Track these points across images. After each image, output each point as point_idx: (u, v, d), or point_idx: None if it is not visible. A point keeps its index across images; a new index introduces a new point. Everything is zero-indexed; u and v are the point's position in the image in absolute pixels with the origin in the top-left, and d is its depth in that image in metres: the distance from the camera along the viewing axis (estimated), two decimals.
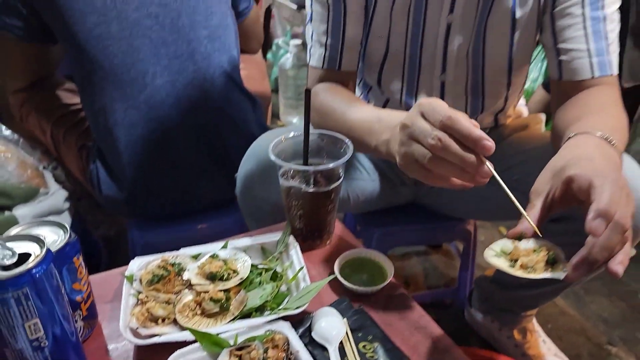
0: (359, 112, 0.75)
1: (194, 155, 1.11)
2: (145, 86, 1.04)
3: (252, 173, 0.83)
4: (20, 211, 1.08)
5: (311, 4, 0.87)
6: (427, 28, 0.85)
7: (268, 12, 2.55)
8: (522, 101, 1.09)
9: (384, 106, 0.99)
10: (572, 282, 0.52)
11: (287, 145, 0.70)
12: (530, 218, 0.54)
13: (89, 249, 1.34)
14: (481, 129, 1.01)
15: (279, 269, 0.64)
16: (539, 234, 0.54)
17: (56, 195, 1.15)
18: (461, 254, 1.29)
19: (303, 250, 0.67)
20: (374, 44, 0.90)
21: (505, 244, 0.55)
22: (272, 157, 0.65)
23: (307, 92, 0.60)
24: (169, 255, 0.65)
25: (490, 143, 0.52)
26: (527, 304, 1.10)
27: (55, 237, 0.53)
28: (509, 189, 0.89)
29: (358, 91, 1.06)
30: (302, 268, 0.62)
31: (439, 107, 0.54)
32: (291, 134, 0.69)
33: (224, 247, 0.67)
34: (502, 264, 0.53)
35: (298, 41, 2.26)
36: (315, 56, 0.88)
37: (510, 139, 0.99)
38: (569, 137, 0.63)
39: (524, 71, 0.94)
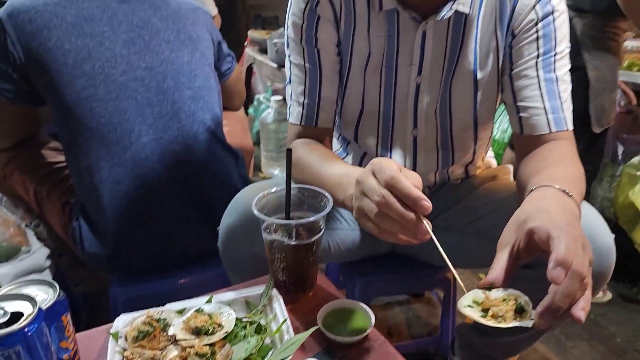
0: (331, 167, 0.80)
1: (178, 208, 1.13)
2: (131, 144, 1.07)
3: (234, 226, 0.85)
4: (1, 270, 1.07)
5: (290, 68, 0.94)
6: (398, 88, 0.92)
7: (249, 70, 2.66)
8: (490, 153, 1.16)
9: (362, 159, 1.04)
10: (544, 329, 0.55)
11: (270, 199, 0.73)
12: (497, 268, 0.58)
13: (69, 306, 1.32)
14: (453, 180, 1.08)
15: (263, 322, 0.66)
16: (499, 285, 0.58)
17: (38, 253, 1.15)
18: (442, 302, 1.31)
19: (286, 303, 0.69)
20: (350, 103, 0.97)
21: (477, 294, 0.59)
22: (255, 212, 0.68)
23: (289, 152, 0.64)
24: (154, 311, 0.66)
25: (427, 203, 0.57)
26: (507, 351, 1.12)
27: (45, 296, 0.54)
28: (481, 237, 0.94)
29: (337, 145, 1.12)
30: (285, 320, 0.64)
31: (386, 167, 0.59)
32: (273, 189, 0.73)
33: (209, 301, 0.69)
34: (475, 314, 0.56)
35: (279, 97, 2.35)
36: (294, 114, 0.94)
37: (480, 189, 1.04)
38: (531, 190, 0.69)
39: (489, 126, 1.01)
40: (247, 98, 2.82)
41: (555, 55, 0.85)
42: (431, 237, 0.59)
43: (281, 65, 2.01)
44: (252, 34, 2.68)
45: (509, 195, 0.94)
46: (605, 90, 1.59)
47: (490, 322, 0.55)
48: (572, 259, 0.53)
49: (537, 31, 0.84)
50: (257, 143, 2.76)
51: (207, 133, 1.16)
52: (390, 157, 0.97)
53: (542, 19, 0.84)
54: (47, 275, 1.17)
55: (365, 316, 0.68)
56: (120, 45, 1.09)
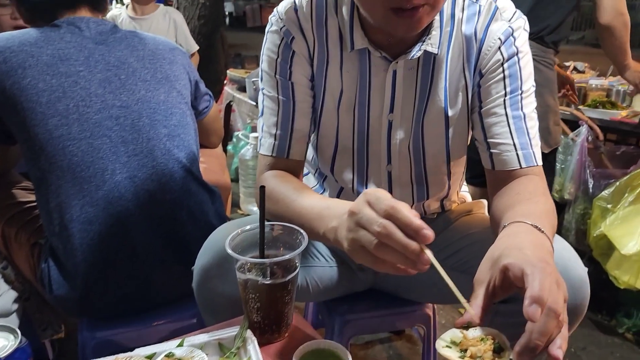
0: (308, 199, 0.80)
1: (152, 248, 1.11)
2: (104, 182, 1.06)
3: (209, 266, 0.83)
4: None
5: (263, 100, 0.95)
6: (371, 125, 0.94)
7: (229, 107, 2.69)
8: (465, 188, 1.18)
9: (339, 194, 1.05)
10: None
11: (244, 238, 0.72)
12: (474, 306, 0.58)
13: (35, 352, 1.26)
14: (429, 214, 1.08)
15: None
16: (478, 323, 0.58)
17: (4, 297, 1.10)
18: (423, 339, 1.30)
19: (261, 344, 0.67)
20: (325, 139, 0.98)
21: (454, 333, 0.58)
22: (229, 251, 0.67)
23: (262, 189, 0.64)
24: (123, 357, 0.64)
25: (429, 232, 0.57)
26: None
27: (5, 342, 0.51)
28: (458, 271, 0.94)
29: (314, 181, 1.12)
30: None
31: (383, 197, 0.60)
32: (247, 227, 0.72)
33: (180, 344, 0.67)
34: (453, 355, 0.56)
35: (257, 134, 2.36)
36: (265, 145, 0.94)
37: (456, 223, 1.05)
38: (504, 226, 0.70)
39: (462, 161, 1.02)
40: (226, 135, 2.83)
41: (521, 93, 0.88)
42: (432, 265, 0.58)
43: None
44: (231, 72, 2.72)
45: (484, 229, 0.95)
46: (549, 114, 1.72)
47: None
48: (547, 296, 0.53)
49: (503, 71, 0.87)
50: (235, 180, 2.75)
51: (183, 170, 1.15)
52: None
53: (508, 60, 0.87)
54: (13, 320, 1.12)
55: (342, 357, 0.66)
56: (96, 84, 1.09)
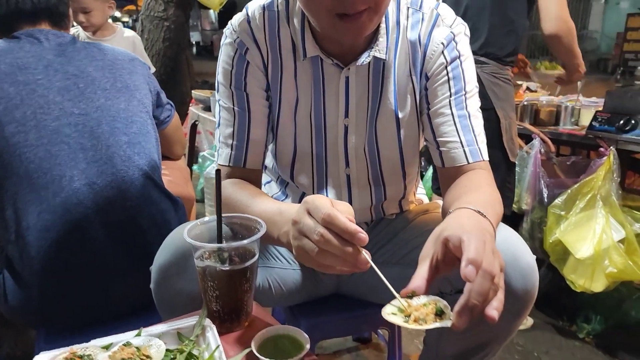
0: (262, 204, 0.82)
1: (113, 256, 1.09)
2: (62, 189, 1.04)
3: (168, 264, 0.83)
4: None
5: (219, 111, 0.97)
6: (328, 130, 0.97)
7: (194, 127, 2.69)
8: (421, 190, 1.22)
9: (300, 199, 1.06)
10: (460, 330, 0.58)
11: (203, 230, 0.73)
12: (418, 278, 0.62)
13: None
14: (388, 215, 1.12)
15: (195, 352, 0.64)
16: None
17: None
18: (388, 342, 1.31)
19: (221, 334, 0.67)
20: (283, 146, 1.00)
21: (399, 302, 0.62)
22: (187, 238, 0.67)
23: (218, 172, 0.66)
24: (78, 347, 0.63)
25: (364, 235, 0.61)
26: None
27: None
28: (415, 267, 0.97)
29: (276, 188, 1.14)
30: (218, 347, 0.62)
31: (320, 204, 0.62)
32: (206, 219, 0.73)
33: (138, 334, 0.66)
34: (398, 320, 0.59)
35: None
36: (223, 155, 0.96)
37: (413, 222, 1.08)
38: (449, 212, 0.74)
39: (415, 162, 1.06)
40: (192, 157, 2.82)
41: (465, 94, 0.93)
42: (371, 265, 0.62)
43: None
44: (196, 93, 2.73)
45: None
46: (512, 125, 1.82)
47: (412, 326, 0.58)
48: (482, 259, 0.57)
49: (447, 73, 0.92)
50: (201, 200, 2.73)
51: (144, 178, 1.15)
52: (327, 196, 0.98)
53: (451, 62, 0.92)
54: None
55: (300, 340, 0.67)
56: (54, 92, 1.09)
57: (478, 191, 0.83)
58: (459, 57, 0.92)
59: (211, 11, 15.97)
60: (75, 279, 1.06)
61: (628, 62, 9.66)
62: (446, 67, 0.92)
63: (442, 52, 0.92)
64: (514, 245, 0.83)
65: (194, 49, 14.54)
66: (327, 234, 0.60)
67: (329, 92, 0.94)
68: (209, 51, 14.87)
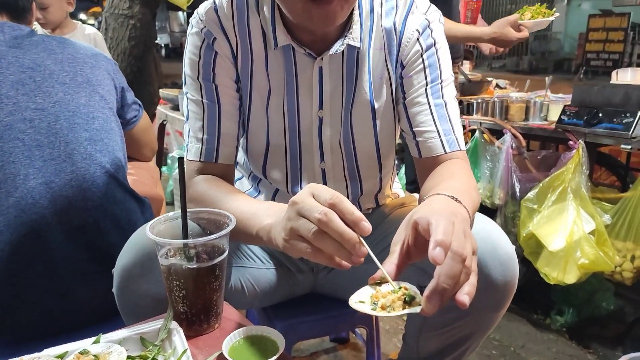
0: (239, 200, 0.78)
1: (72, 259, 1.02)
2: (16, 188, 0.97)
3: (131, 266, 0.78)
4: None
5: (187, 105, 0.92)
6: (302, 122, 0.94)
7: (162, 127, 2.61)
8: (397, 184, 1.19)
9: (274, 196, 1.03)
10: (430, 315, 0.55)
11: (167, 227, 0.68)
12: (388, 264, 0.60)
13: None
14: (365, 210, 1.09)
15: (160, 358, 0.59)
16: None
17: None
18: (366, 341, 1.28)
19: (189, 337, 0.63)
20: (255, 139, 0.96)
21: (368, 290, 0.59)
22: (149, 235, 0.62)
23: (181, 161, 0.61)
24: (29, 358, 0.57)
25: (368, 225, 0.58)
26: None
27: None
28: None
29: (248, 184, 1.09)
30: (185, 351, 0.57)
31: (327, 189, 0.60)
32: (171, 214, 0.68)
33: (96, 341, 0.60)
34: (365, 308, 0.57)
35: None
36: (193, 151, 0.91)
37: (390, 216, 1.06)
38: (424, 199, 0.72)
39: (391, 154, 1.04)
40: (161, 158, 2.74)
41: (441, 82, 0.91)
42: (366, 262, 0.59)
43: None
44: (164, 92, 2.65)
45: None
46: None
47: (379, 313, 0.56)
48: (450, 240, 0.54)
49: (423, 61, 0.91)
50: (171, 203, 2.65)
51: (107, 176, 1.09)
52: None
53: (427, 50, 0.91)
54: None
55: (275, 341, 0.63)
56: (8, 86, 1.02)
57: (453, 178, 0.82)
58: (434, 45, 0.91)
59: (180, 13, 15.76)
60: (31, 286, 0.99)
61: (590, 62, 10.01)
62: (422, 54, 0.90)
63: (418, 39, 0.90)
64: (493, 236, 0.81)
65: (163, 52, 14.27)
66: (332, 213, 0.57)
67: (302, 83, 0.91)
68: (178, 53, 14.62)
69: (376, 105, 0.94)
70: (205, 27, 0.88)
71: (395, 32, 0.91)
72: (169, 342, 0.62)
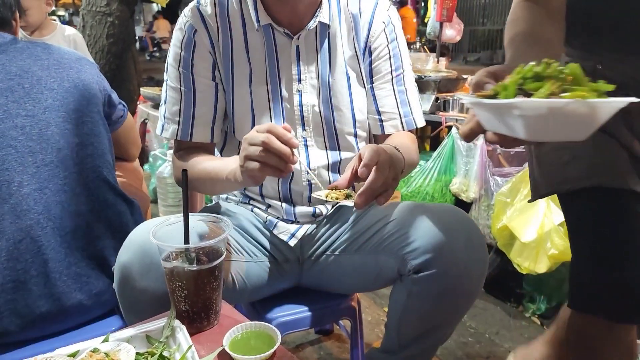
0: (213, 159, 1.01)
1: (67, 262, 1.05)
2: (10, 195, 0.99)
3: (131, 263, 0.83)
4: None
5: (166, 89, 1.06)
6: (284, 96, 1.05)
7: (143, 125, 2.62)
8: None
9: None
10: (360, 208, 0.80)
11: (167, 231, 0.72)
12: (342, 179, 0.84)
13: None
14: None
15: (166, 354, 0.63)
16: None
17: None
18: (350, 332, 1.34)
19: (191, 334, 0.67)
20: (241, 118, 1.06)
21: (325, 191, 0.85)
22: (153, 240, 0.67)
23: (184, 172, 0.65)
24: (43, 357, 0.61)
25: (296, 142, 0.78)
26: None
27: None
28: (377, 253, 1.02)
29: None
30: (190, 347, 0.62)
31: (266, 124, 0.80)
32: (172, 219, 0.73)
33: (105, 340, 0.65)
34: (321, 195, 0.84)
35: None
36: (169, 130, 1.06)
37: (371, 209, 1.11)
38: None
39: (365, 127, 1.14)
40: (143, 156, 2.75)
41: (403, 72, 1.10)
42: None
43: None
44: (145, 90, 2.65)
45: (397, 211, 1.03)
46: None
47: (327, 198, 0.82)
48: (375, 160, 0.79)
49: (389, 52, 1.08)
50: (154, 201, 2.66)
51: (98, 180, 1.12)
52: None
53: (391, 42, 1.09)
54: None
55: (272, 335, 0.69)
56: None
57: (399, 138, 1.07)
58: (396, 39, 1.09)
59: (154, 5, 15.45)
60: (26, 291, 1.01)
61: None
62: (387, 45, 1.08)
63: (384, 30, 1.08)
64: (466, 227, 0.92)
65: (137, 44, 14.00)
66: (270, 135, 0.76)
67: (282, 62, 1.04)
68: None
69: (350, 77, 1.08)
70: (188, 21, 1.02)
71: (361, 19, 1.07)
72: (173, 339, 0.67)
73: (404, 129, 1.10)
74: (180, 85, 1.02)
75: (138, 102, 2.89)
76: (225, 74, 1.04)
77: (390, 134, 1.11)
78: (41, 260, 1.02)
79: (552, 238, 1.87)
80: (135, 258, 0.82)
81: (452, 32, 3.31)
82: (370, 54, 1.08)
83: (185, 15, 1.03)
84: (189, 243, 0.69)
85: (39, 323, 1.03)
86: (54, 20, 2.54)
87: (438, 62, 2.75)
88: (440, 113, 2.48)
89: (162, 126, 1.07)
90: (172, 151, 2.28)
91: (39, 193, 1.02)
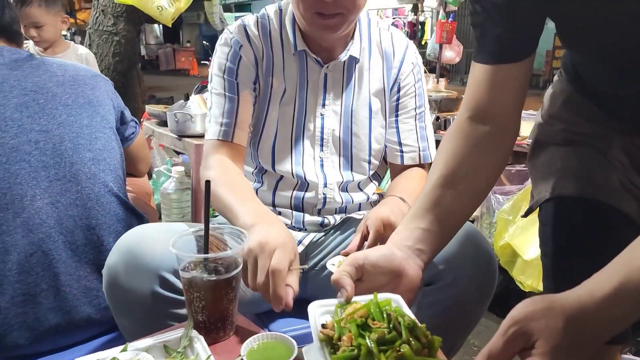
0: (236, 192, 0.97)
1: (77, 277, 1.05)
2: (23, 209, 1.01)
3: (117, 263, 0.85)
4: None
5: (211, 97, 1.12)
6: (307, 117, 1.13)
7: (147, 141, 2.63)
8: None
9: (277, 183, 1.16)
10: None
11: (184, 241, 0.74)
12: (352, 245, 0.95)
13: None
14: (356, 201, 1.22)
15: None
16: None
17: None
18: None
19: (208, 344, 0.68)
20: (267, 132, 1.12)
21: (339, 258, 0.92)
22: (172, 250, 0.68)
23: (207, 183, 0.67)
24: None
25: (290, 301, 0.77)
26: None
27: None
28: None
29: (252, 177, 1.20)
30: (209, 357, 0.63)
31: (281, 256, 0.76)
32: (190, 229, 0.74)
33: (124, 350, 0.65)
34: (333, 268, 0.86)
35: (180, 168, 2.34)
36: (212, 131, 1.09)
37: None
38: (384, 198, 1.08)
39: (379, 157, 1.20)
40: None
41: (424, 110, 1.21)
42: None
43: (181, 136, 2.05)
44: (150, 108, 2.68)
45: None
46: None
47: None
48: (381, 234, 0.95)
49: (415, 90, 1.18)
50: (158, 217, 2.66)
51: (110, 195, 1.13)
52: (304, 176, 1.13)
53: (417, 82, 1.18)
54: None
55: (288, 346, 0.69)
56: (12, 108, 1.05)
57: (408, 181, 1.15)
58: (421, 80, 1.20)
59: (156, 25, 15.66)
60: (36, 304, 1.01)
61: None
62: (414, 84, 1.18)
63: (412, 71, 1.17)
64: (473, 237, 0.95)
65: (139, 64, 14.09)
66: (268, 284, 0.74)
67: (311, 84, 1.12)
68: (154, 66, 14.53)
69: (373, 108, 1.15)
70: (234, 37, 1.10)
71: (394, 60, 1.16)
72: (190, 349, 0.67)
73: (420, 162, 1.18)
74: (225, 91, 1.09)
75: (142, 120, 2.91)
76: (264, 89, 1.11)
77: (407, 165, 1.19)
78: (52, 273, 1.03)
79: None
80: (122, 259, 0.85)
81: (452, 54, 3.38)
82: (399, 90, 1.17)
83: (231, 32, 1.11)
84: (207, 253, 0.70)
85: (48, 336, 1.03)
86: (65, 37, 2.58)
87: (438, 82, 2.80)
88: (441, 132, 2.51)
89: (207, 130, 1.11)
90: (177, 168, 2.32)
91: (51, 207, 1.04)
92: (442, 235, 0.80)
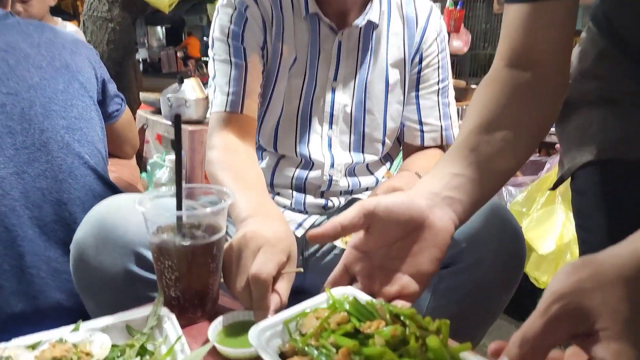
0: (240, 178, 0.84)
1: (45, 257, 0.94)
2: None
3: (85, 237, 0.72)
4: None
5: (214, 65, 0.97)
6: (317, 90, 0.99)
7: (142, 133, 2.53)
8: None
9: (278, 161, 1.03)
10: None
11: (157, 204, 0.61)
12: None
13: None
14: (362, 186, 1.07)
15: (150, 347, 0.51)
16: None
17: None
18: None
19: (182, 326, 0.55)
20: (273, 106, 0.99)
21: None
22: (138, 208, 0.56)
23: (177, 117, 0.55)
24: None
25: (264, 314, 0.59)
26: None
27: None
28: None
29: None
30: (179, 338, 0.50)
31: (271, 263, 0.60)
32: (162, 190, 0.62)
33: (75, 329, 0.53)
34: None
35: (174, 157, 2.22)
36: (218, 102, 0.94)
37: None
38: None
39: (394, 136, 1.07)
40: (140, 164, 2.64)
41: (448, 84, 1.05)
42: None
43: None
44: (144, 95, 2.58)
45: None
46: None
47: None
48: None
49: (438, 61, 1.04)
50: None
51: (85, 168, 1.01)
52: (309, 155, 1.00)
53: (441, 52, 1.04)
54: None
55: None
56: None
57: (426, 158, 1.02)
58: (445, 49, 1.05)
59: (158, 28, 15.65)
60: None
61: None
62: (438, 55, 1.03)
63: (436, 39, 1.03)
64: (499, 211, 0.81)
65: (141, 66, 14.09)
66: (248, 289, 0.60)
67: (323, 54, 0.98)
68: (156, 68, 14.48)
69: (391, 81, 1.02)
70: None
71: (417, 25, 1.02)
72: (159, 330, 0.55)
73: (442, 143, 1.05)
74: (230, 57, 0.94)
75: (137, 111, 2.81)
76: (273, 57, 0.97)
77: (429, 146, 1.06)
78: (15, 253, 0.91)
79: (573, 249, 1.75)
80: (91, 232, 0.71)
81: (459, 43, 3.25)
82: (421, 61, 1.03)
83: None
84: (181, 210, 0.57)
85: (10, 324, 0.92)
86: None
87: None
88: None
89: (212, 101, 0.96)
90: (170, 157, 2.20)
91: (16, 177, 0.92)
92: (481, 183, 0.61)
